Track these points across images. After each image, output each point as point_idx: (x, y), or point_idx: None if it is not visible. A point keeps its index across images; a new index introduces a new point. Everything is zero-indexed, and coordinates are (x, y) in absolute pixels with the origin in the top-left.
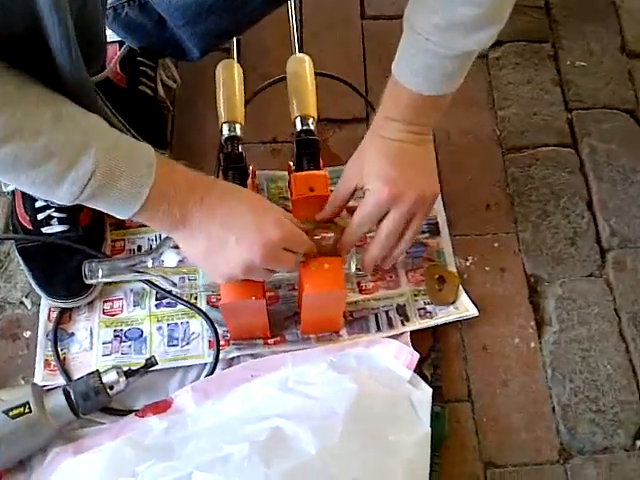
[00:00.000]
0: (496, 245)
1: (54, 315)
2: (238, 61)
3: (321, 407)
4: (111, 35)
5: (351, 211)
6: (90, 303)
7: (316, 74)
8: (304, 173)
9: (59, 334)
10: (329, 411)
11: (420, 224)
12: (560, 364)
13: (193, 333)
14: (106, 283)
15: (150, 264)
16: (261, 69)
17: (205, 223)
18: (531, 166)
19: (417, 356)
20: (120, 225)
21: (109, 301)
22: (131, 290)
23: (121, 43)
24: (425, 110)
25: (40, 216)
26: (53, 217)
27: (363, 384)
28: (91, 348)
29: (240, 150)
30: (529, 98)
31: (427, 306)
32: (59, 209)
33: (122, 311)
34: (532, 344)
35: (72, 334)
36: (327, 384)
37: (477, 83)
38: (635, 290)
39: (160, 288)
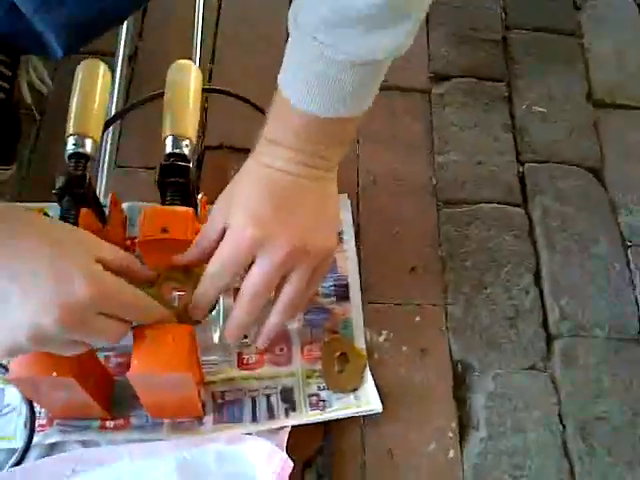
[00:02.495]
0: (418, 319)
1: None
2: (131, 69)
3: None
4: None
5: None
6: None
7: (213, 91)
8: (159, 207)
9: None
10: None
11: (299, 289)
12: None
13: (8, 405)
14: None
15: None
16: (158, 82)
17: None
18: (470, 225)
19: (291, 466)
20: None
21: None
22: None
23: None
24: (319, 136)
25: None
26: None
27: None
28: None
29: (84, 172)
30: (474, 144)
31: (321, 392)
32: None
33: None
34: (451, 453)
35: None
36: None
37: (415, 121)
38: (586, 391)
39: None
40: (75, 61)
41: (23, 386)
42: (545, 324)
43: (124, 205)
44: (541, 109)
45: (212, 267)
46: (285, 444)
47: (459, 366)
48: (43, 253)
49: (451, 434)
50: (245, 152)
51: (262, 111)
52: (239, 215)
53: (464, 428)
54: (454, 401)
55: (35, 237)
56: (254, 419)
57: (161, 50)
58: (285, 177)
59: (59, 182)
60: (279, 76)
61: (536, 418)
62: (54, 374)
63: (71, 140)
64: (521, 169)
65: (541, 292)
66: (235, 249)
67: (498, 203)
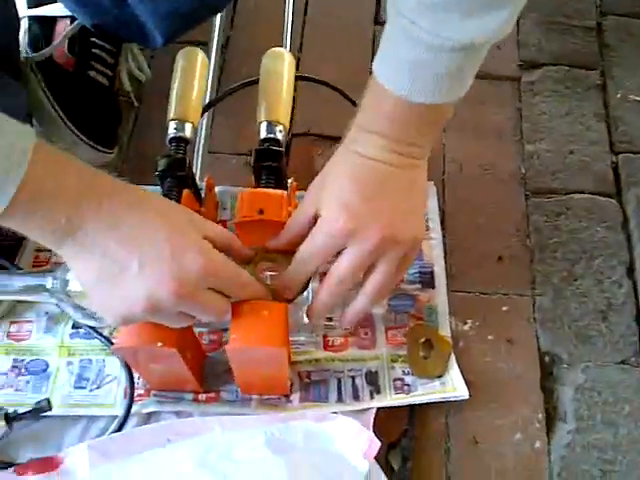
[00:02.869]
0: (505, 309)
1: None
2: (223, 58)
3: None
4: (62, 9)
5: None
6: None
7: (304, 78)
8: (254, 190)
9: None
10: None
11: (387, 275)
12: (572, 476)
13: (108, 375)
14: (18, 300)
15: (49, 284)
16: (247, 71)
17: (102, 236)
18: (560, 215)
19: (377, 444)
20: None
21: (17, 323)
22: (46, 313)
23: (73, 19)
24: (413, 124)
25: None
26: None
27: (299, 474)
28: None
29: (184, 155)
30: (566, 133)
31: (406, 377)
32: None
33: (30, 336)
34: (537, 444)
35: None
36: (253, 466)
37: (504, 109)
38: None
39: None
40: (170, 51)
41: (127, 356)
42: (638, 318)
43: (216, 189)
44: (637, 98)
45: (303, 252)
46: (372, 424)
47: (546, 357)
48: (159, 228)
49: (538, 425)
50: (331, 139)
51: (350, 99)
52: (332, 205)
53: (551, 420)
54: (541, 392)
55: (152, 212)
56: (340, 399)
57: (251, 39)
58: (377, 166)
59: (161, 165)
60: (374, 61)
61: (627, 413)
62: (159, 344)
63: (172, 125)
64: (615, 159)
65: (634, 285)
66: (327, 238)
67: (591, 194)
